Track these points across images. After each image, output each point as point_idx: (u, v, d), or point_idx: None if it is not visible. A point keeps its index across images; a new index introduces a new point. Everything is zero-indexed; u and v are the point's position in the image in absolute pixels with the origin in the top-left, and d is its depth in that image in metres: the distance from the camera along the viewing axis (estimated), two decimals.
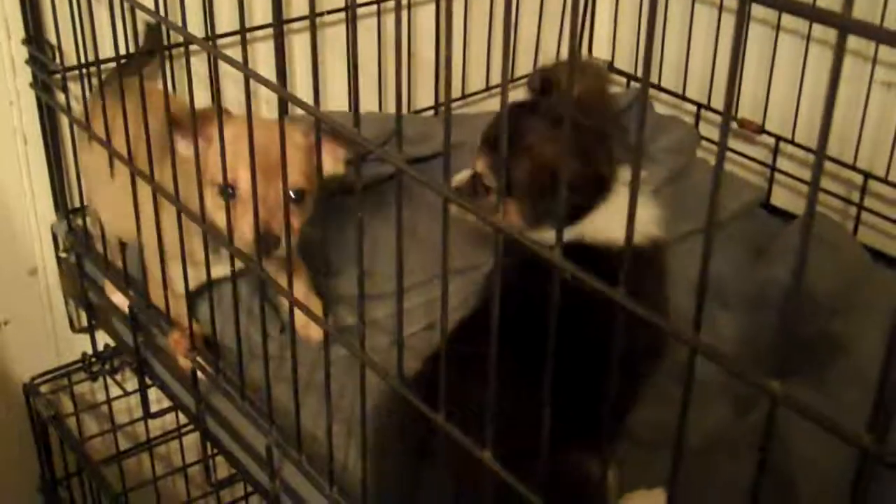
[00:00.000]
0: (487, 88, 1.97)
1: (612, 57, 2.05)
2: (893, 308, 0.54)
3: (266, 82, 0.93)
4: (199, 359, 1.26)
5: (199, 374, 1.28)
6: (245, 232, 1.10)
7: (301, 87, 1.71)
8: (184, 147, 1.14)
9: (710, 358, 0.57)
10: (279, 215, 1.10)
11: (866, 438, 0.52)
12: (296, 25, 1.68)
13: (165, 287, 1.27)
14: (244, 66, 0.94)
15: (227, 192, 1.12)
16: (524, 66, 1.99)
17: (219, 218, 1.12)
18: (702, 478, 1.13)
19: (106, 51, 1.30)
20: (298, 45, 1.71)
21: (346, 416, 1.21)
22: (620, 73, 2.04)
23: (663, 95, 1.96)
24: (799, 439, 1.12)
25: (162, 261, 1.25)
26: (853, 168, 1.69)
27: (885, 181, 1.67)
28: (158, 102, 1.12)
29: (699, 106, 1.90)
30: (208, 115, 1.10)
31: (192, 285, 1.24)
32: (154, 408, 1.58)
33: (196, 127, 1.09)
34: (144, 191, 1.20)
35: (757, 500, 0.59)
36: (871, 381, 0.52)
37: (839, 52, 0.42)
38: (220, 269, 1.19)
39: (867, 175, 1.68)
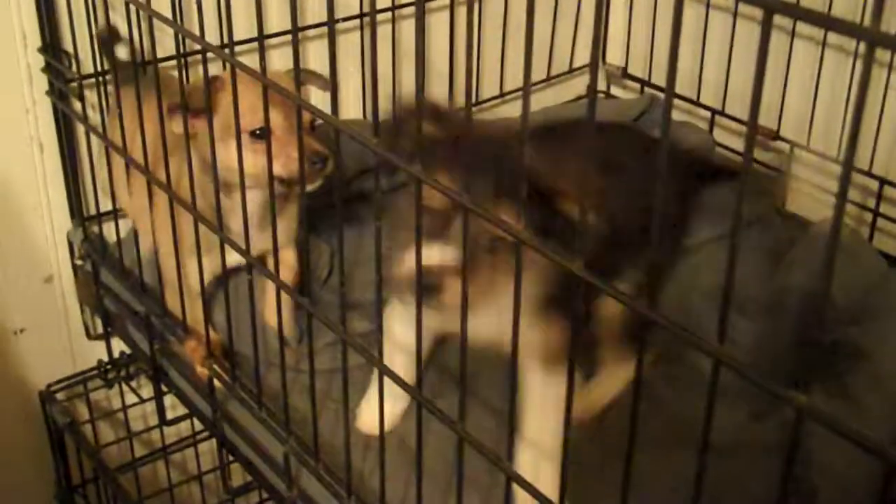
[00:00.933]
0: (502, 95, 1.96)
1: (626, 62, 2.05)
2: None
3: (284, 91, 0.93)
4: (215, 366, 1.26)
5: (216, 381, 1.28)
6: (292, 161, 1.18)
7: (316, 93, 1.70)
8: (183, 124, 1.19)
9: (735, 369, 0.57)
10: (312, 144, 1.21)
11: (893, 450, 0.51)
12: (311, 33, 1.68)
13: (182, 292, 1.27)
14: (262, 76, 0.94)
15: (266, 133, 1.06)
16: (539, 70, 1.99)
17: (252, 163, 1.18)
18: (719, 482, 1.12)
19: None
20: (313, 52, 1.71)
21: None
22: (634, 78, 2.04)
23: (677, 101, 1.95)
24: (821, 446, 1.11)
25: (177, 259, 1.24)
26: (869, 174, 1.69)
27: None
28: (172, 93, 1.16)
29: (713, 112, 1.90)
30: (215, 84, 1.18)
31: (208, 278, 1.25)
32: (169, 415, 1.58)
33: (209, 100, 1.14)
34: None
35: None
36: (893, 389, 0.52)
37: (867, 65, 0.42)
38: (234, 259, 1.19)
39: (883, 181, 1.67)
